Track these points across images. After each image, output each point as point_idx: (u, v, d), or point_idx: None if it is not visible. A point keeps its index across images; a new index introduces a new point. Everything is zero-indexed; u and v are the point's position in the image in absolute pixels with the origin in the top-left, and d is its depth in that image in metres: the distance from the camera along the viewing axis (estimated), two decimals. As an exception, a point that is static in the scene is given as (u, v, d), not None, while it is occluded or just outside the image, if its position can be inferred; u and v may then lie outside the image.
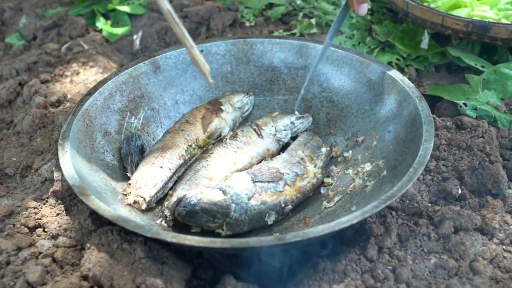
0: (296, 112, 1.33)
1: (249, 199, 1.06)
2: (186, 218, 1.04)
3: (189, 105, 1.35)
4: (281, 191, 1.10)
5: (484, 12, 1.51)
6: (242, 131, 1.25)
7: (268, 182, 1.09)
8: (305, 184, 1.14)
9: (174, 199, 1.10)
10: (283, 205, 1.10)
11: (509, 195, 1.13)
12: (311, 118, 1.32)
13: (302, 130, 1.30)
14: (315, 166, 1.17)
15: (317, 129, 1.32)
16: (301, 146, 1.22)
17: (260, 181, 1.09)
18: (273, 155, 1.24)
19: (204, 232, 1.06)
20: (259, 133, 1.25)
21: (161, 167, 1.16)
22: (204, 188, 1.07)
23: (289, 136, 1.28)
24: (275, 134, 1.26)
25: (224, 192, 1.05)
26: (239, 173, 1.13)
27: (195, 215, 1.03)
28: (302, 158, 1.18)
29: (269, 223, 1.08)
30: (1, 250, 1.00)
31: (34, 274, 0.95)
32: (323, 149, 1.23)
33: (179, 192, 1.11)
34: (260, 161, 1.22)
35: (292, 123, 1.29)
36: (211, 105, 1.30)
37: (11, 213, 1.11)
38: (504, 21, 1.47)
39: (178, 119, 1.31)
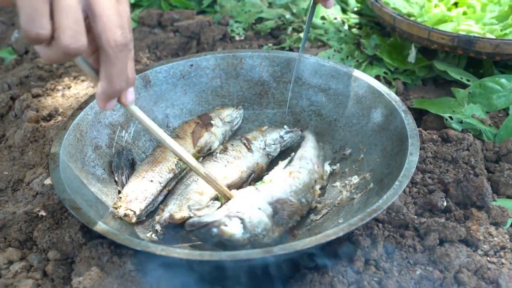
0: (285, 126, 1.35)
1: (263, 237, 1.04)
2: (197, 238, 1.04)
3: (179, 119, 1.36)
4: (290, 226, 1.10)
5: (470, 27, 1.54)
6: (232, 145, 1.27)
7: (285, 218, 1.09)
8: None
9: (166, 214, 1.11)
10: (284, 234, 1.10)
11: (493, 207, 1.15)
12: (299, 132, 1.34)
13: (291, 144, 1.32)
14: (320, 188, 1.19)
15: (306, 142, 1.34)
16: (316, 160, 1.22)
17: (279, 217, 1.08)
18: (262, 170, 1.26)
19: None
20: (248, 147, 1.26)
21: (151, 181, 1.17)
22: (227, 218, 1.02)
23: (278, 150, 1.30)
24: (264, 148, 1.28)
25: (244, 229, 1.02)
26: (262, 198, 1.09)
27: (208, 241, 1.02)
28: (315, 181, 1.18)
29: None
30: (-7, 263, 1.02)
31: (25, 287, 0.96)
32: (327, 168, 1.24)
33: (170, 208, 1.12)
34: (250, 175, 1.23)
35: (281, 137, 1.31)
36: (201, 119, 1.32)
37: (2, 226, 1.12)
38: (489, 35, 1.50)
39: (168, 134, 1.32)
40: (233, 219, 1.02)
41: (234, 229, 1.01)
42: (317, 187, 1.18)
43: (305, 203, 1.14)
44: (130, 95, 0.94)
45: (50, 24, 0.78)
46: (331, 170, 1.25)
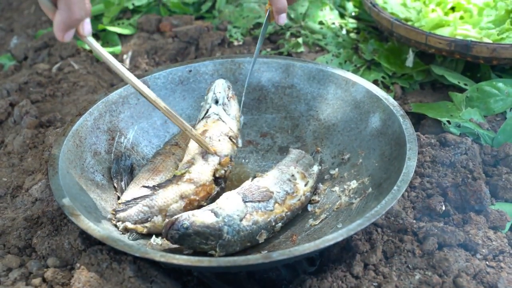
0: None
1: (241, 220, 1.07)
2: (179, 241, 1.04)
3: (178, 124, 1.36)
4: (271, 210, 1.11)
5: (467, 31, 1.55)
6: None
7: (259, 201, 1.10)
8: (294, 202, 1.15)
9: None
10: (273, 224, 1.11)
11: (492, 211, 1.15)
12: (223, 82, 1.28)
13: (225, 92, 1.27)
14: (305, 185, 1.19)
15: (304, 147, 1.34)
16: (293, 163, 1.23)
17: (251, 201, 1.10)
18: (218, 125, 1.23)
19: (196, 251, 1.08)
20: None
21: (151, 190, 1.17)
22: (195, 210, 1.07)
23: (210, 101, 1.26)
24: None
25: (216, 214, 1.05)
26: (229, 193, 1.13)
27: (188, 238, 1.03)
28: (293, 175, 1.19)
29: (260, 241, 1.10)
30: (-8, 270, 1.02)
31: (24, 294, 0.97)
32: (315, 168, 1.24)
33: None
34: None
35: (213, 92, 1.27)
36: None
37: (1, 233, 1.13)
38: (486, 40, 1.51)
39: (168, 140, 1.32)
40: (202, 211, 1.07)
41: (204, 217, 1.05)
42: (299, 181, 1.18)
43: (283, 193, 1.14)
44: (87, 26, 0.97)
45: None
46: (319, 168, 1.25)
